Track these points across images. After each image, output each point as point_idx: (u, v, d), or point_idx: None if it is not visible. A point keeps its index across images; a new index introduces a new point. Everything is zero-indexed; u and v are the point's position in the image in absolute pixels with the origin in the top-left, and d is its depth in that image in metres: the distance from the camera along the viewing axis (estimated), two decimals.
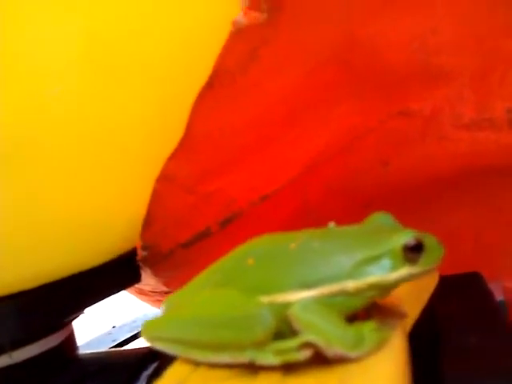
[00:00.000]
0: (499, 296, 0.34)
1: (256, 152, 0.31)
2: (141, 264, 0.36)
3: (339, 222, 0.23)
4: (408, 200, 0.38)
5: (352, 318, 0.18)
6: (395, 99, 0.33)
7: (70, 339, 0.38)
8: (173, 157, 0.29)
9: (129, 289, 0.48)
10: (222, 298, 0.18)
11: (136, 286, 0.40)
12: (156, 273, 0.37)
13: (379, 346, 0.17)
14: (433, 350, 0.26)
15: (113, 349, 0.55)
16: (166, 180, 0.30)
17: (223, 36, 0.23)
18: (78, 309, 0.34)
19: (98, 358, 0.40)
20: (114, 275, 0.36)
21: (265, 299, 0.17)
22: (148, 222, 0.32)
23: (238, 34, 0.23)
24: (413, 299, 0.24)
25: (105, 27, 0.24)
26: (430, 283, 0.28)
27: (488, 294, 0.32)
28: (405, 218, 0.39)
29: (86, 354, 0.40)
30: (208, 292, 0.19)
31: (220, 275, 0.20)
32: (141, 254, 0.35)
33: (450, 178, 0.36)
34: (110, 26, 0.24)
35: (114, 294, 0.37)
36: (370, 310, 0.20)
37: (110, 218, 0.31)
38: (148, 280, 0.39)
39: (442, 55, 0.29)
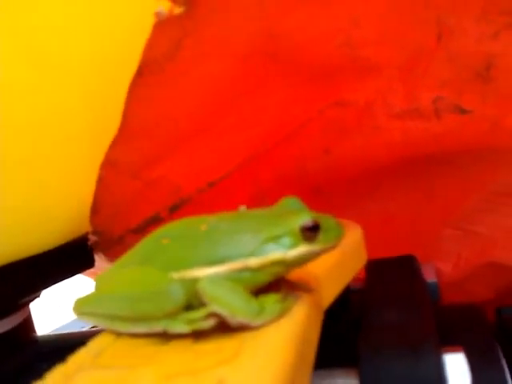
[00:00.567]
0: (432, 278, 0.36)
1: (196, 139, 0.32)
2: (93, 249, 0.37)
3: None
4: (350, 186, 0.40)
5: (261, 291, 0.20)
6: (330, 90, 0.35)
7: (27, 321, 0.39)
8: (114, 143, 0.30)
9: (87, 274, 0.49)
10: (139, 275, 0.20)
11: (92, 270, 0.42)
12: (109, 257, 0.38)
13: (281, 315, 0.19)
14: (352, 326, 0.28)
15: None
16: (109, 166, 0.31)
17: (150, 26, 0.25)
18: (32, 291, 0.36)
19: (56, 340, 0.42)
20: (67, 259, 0.37)
21: (176, 275, 0.19)
22: (95, 207, 0.34)
23: (161, 25, 0.24)
24: (333, 278, 0.26)
25: (36, 21, 0.25)
26: (355, 264, 0.30)
27: (418, 275, 0.34)
28: (347, 202, 0.42)
29: (44, 335, 0.42)
30: (128, 270, 0.21)
31: (139, 255, 0.22)
32: (92, 239, 0.36)
33: (387, 166, 0.38)
34: (40, 20, 0.25)
35: (68, 277, 0.38)
36: (283, 285, 0.22)
37: (57, 204, 0.33)
38: (103, 264, 0.41)
39: (368, 48, 0.31)
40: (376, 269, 0.34)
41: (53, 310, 0.63)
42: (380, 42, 0.32)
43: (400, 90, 0.34)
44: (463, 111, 0.33)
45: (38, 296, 0.39)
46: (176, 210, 0.37)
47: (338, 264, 0.27)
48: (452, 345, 0.25)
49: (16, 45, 0.26)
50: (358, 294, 0.33)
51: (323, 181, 0.41)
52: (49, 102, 0.28)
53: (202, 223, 0.21)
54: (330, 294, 0.25)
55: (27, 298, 0.37)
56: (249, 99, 0.32)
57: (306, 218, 0.19)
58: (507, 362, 0.27)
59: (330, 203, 0.41)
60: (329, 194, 0.40)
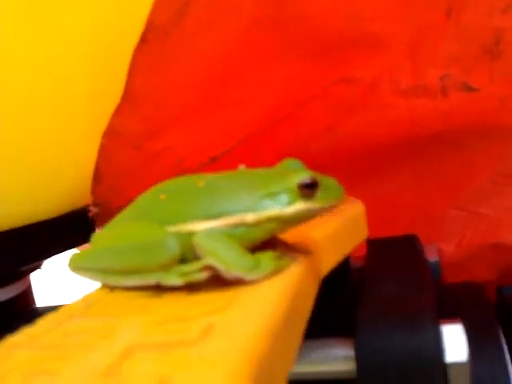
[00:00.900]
0: (434, 257, 0.36)
1: (201, 111, 0.32)
2: (94, 221, 0.37)
3: None
4: (354, 165, 0.40)
5: (258, 249, 0.20)
6: (337, 66, 0.34)
7: (27, 292, 0.39)
8: (117, 112, 0.30)
9: None
10: (134, 229, 0.20)
11: None
12: None
13: (276, 272, 0.19)
14: (351, 298, 0.27)
15: None
16: (112, 135, 0.31)
17: None
18: (31, 260, 0.36)
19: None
20: (67, 230, 0.37)
21: (172, 229, 0.19)
22: (97, 177, 0.34)
23: None
24: (332, 246, 0.26)
25: None
26: (356, 236, 0.30)
27: (419, 254, 0.33)
28: (351, 181, 0.41)
29: (44, 306, 0.42)
30: (124, 225, 0.21)
31: (136, 210, 0.21)
32: (92, 210, 0.36)
33: (392, 145, 0.38)
34: None
35: (68, 249, 0.38)
36: (280, 246, 0.21)
37: (59, 172, 0.33)
38: None
39: (376, 22, 0.31)
40: (377, 247, 0.34)
41: (55, 285, 0.63)
42: (388, 16, 0.31)
43: (407, 67, 0.33)
44: (470, 89, 0.32)
45: (39, 267, 0.39)
46: None
47: (337, 233, 0.27)
48: (451, 318, 0.25)
49: (18, 9, 0.26)
50: (358, 271, 0.33)
51: (326, 159, 0.41)
52: (52, 67, 0.28)
53: (199, 180, 0.21)
54: (328, 261, 0.25)
55: (27, 267, 0.37)
56: (255, 71, 0.32)
57: (303, 175, 0.19)
58: (508, 340, 0.27)
59: None
60: (332, 172, 0.40)
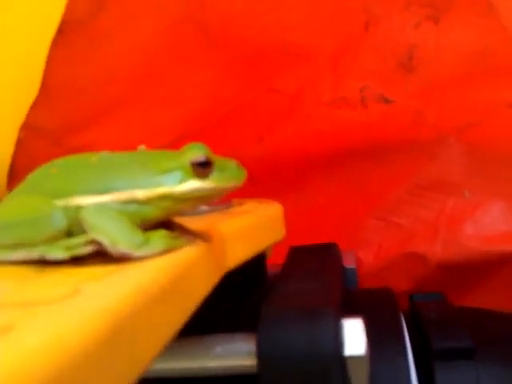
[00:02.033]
0: (351, 265, 0.36)
1: (122, 108, 0.32)
2: None
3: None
4: (281, 174, 0.40)
5: (152, 229, 0.20)
6: (263, 75, 0.35)
7: None
8: (34, 105, 0.29)
9: None
10: (22, 203, 0.20)
11: None
12: None
13: (166, 251, 0.19)
14: (262, 297, 0.27)
15: None
16: (30, 130, 0.31)
17: None
18: None
19: None
20: None
21: (60, 203, 0.19)
22: (14, 172, 0.33)
23: None
24: (242, 241, 0.26)
25: None
26: (270, 236, 0.30)
27: (336, 260, 0.34)
28: (278, 190, 0.42)
29: None
30: (13, 199, 0.20)
31: (28, 185, 0.21)
32: None
33: (318, 156, 0.38)
34: None
35: None
36: (179, 229, 0.21)
37: None
38: None
39: (298, 33, 0.32)
40: (296, 253, 0.34)
41: None
42: (309, 28, 0.32)
43: (329, 79, 0.35)
44: (387, 101, 0.34)
45: None
46: None
47: (248, 229, 0.27)
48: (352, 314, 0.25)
49: None
50: (275, 275, 0.33)
51: (255, 169, 0.41)
52: None
53: (93, 156, 0.20)
54: (234, 255, 0.24)
55: None
56: (178, 71, 0.32)
57: (197, 153, 0.19)
58: (414, 344, 0.28)
59: (261, 191, 0.41)
60: (260, 180, 0.41)
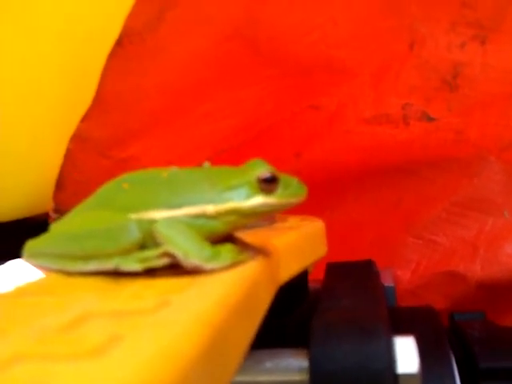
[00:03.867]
0: (390, 283, 0.36)
1: (170, 122, 0.33)
2: None
3: None
4: (318, 190, 0.41)
5: (217, 242, 0.20)
6: (304, 91, 0.35)
7: None
8: (86, 117, 0.30)
9: None
10: (95, 215, 0.20)
11: None
12: None
13: (234, 264, 0.19)
14: (308, 312, 0.28)
15: None
16: (79, 141, 0.31)
17: None
18: None
19: None
20: (25, 235, 0.36)
21: (134, 216, 0.19)
22: (60, 183, 0.33)
23: None
24: (292, 256, 0.26)
25: None
26: (315, 251, 0.30)
27: (375, 278, 0.34)
28: (314, 207, 0.42)
29: None
30: (85, 212, 0.21)
31: (98, 199, 0.21)
32: (52, 216, 0.35)
33: (356, 172, 0.39)
34: None
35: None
36: (241, 244, 0.22)
37: (20, 174, 0.32)
38: None
39: (342, 49, 0.32)
40: (335, 270, 0.35)
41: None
42: (354, 45, 0.33)
43: (371, 96, 0.35)
44: (430, 119, 0.34)
45: None
46: None
47: (297, 244, 0.27)
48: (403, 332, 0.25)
49: None
50: (316, 291, 0.34)
51: None
52: (19, 69, 0.28)
53: (163, 171, 0.21)
54: (287, 269, 0.25)
55: None
56: (225, 87, 0.33)
57: (263, 170, 0.20)
58: (458, 364, 0.28)
59: (297, 207, 0.41)
60: None
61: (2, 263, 0.36)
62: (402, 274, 0.38)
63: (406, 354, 0.24)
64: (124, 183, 0.21)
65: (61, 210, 0.35)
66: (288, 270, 0.26)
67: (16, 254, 0.37)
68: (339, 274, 0.34)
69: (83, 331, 0.12)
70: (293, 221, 0.33)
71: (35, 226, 0.36)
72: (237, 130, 0.37)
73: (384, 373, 0.23)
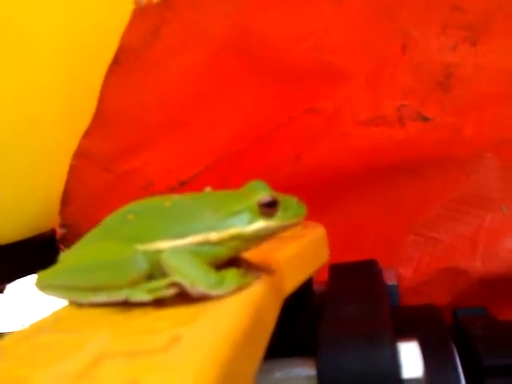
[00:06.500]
0: (393, 281, 0.37)
1: (169, 133, 0.33)
2: (60, 244, 0.37)
3: None
4: (319, 192, 0.41)
5: (222, 267, 0.21)
6: (301, 96, 0.36)
7: None
8: (87, 133, 0.31)
9: None
10: (103, 247, 0.21)
11: None
12: None
13: (239, 288, 0.20)
14: (313, 319, 0.28)
15: None
16: (82, 156, 0.32)
17: (128, 14, 0.26)
18: None
19: None
20: (33, 253, 0.37)
21: (140, 247, 0.20)
22: (66, 198, 0.34)
23: (140, 12, 0.25)
24: (295, 267, 0.27)
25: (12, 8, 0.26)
26: (317, 259, 0.31)
27: (378, 278, 0.35)
28: (315, 208, 0.43)
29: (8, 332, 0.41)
30: (92, 244, 0.22)
31: (104, 230, 0.22)
32: (59, 232, 0.36)
33: (355, 173, 0.39)
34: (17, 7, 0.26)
35: (32, 273, 0.38)
36: (244, 265, 0.22)
37: (26, 194, 0.33)
38: None
39: (336, 55, 0.32)
40: (338, 271, 0.35)
41: (18, 309, 0.62)
42: (348, 50, 0.33)
43: (366, 98, 0.35)
44: (425, 119, 0.34)
45: (1, 291, 0.39)
46: None
47: (300, 255, 0.28)
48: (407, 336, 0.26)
49: None
50: (321, 294, 0.34)
51: (293, 186, 0.42)
52: (22, 86, 0.28)
53: (166, 200, 0.21)
54: (291, 281, 0.25)
55: None
56: (222, 96, 0.33)
57: (263, 195, 0.20)
58: (462, 360, 0.28)
59: None
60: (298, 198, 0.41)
61: (12, 282, 0.37)
62: (405, 272, 0.39)
63: (411, 359, 0.24)
64: (129, 214, 0.21)
65: (68, 225, 0.36)
66: (292, 282, 0.26)
67: (25, 272, 0.37)
68: (343, 275, 0.35)
69: (100, 376, 0.13)
70: (294, 229, 0.33)
71: (43, 243, 0.37)
72: (236, 137, 0.38)
73: (390, 379, 0.24)
